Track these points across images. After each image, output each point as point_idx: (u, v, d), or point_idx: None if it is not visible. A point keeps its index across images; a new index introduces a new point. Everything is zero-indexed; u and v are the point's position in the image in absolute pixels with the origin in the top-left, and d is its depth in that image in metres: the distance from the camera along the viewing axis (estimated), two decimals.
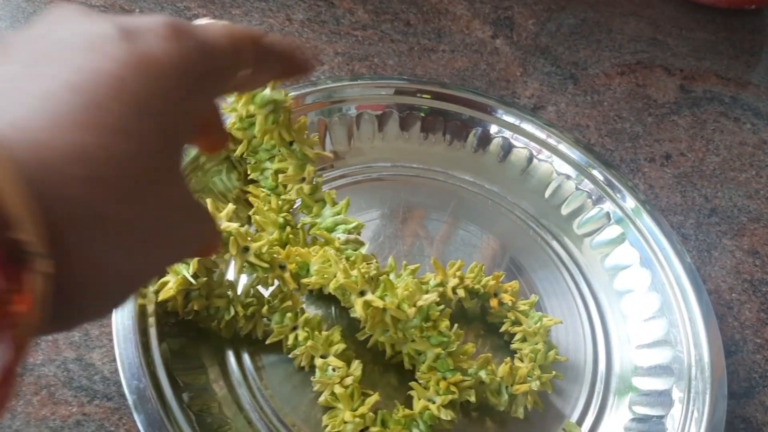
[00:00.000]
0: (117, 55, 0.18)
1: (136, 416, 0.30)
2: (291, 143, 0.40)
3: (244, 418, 0.34)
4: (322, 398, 0.35)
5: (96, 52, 0.18)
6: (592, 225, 0.46)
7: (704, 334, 0.39)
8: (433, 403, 0.34)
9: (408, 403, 0.35)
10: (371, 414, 0.34)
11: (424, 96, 0.47)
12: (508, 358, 0.37)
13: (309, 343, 0.36)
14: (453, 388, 0.34)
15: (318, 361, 0.36)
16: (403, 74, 0.55)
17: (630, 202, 0.45)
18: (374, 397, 0.34)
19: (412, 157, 0.48)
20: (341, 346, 0.36)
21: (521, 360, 0.38)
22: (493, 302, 0.40)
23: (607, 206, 0.45)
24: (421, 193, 0.47)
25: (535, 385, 0.36)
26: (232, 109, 0.39)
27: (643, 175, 0.52)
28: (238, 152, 0.41)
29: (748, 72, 0.64)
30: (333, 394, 0.35)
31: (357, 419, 0.33)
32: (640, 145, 0.55)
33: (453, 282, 0.39)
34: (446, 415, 0.34)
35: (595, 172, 0.46)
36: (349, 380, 0.35)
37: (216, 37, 0.22)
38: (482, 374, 0.36)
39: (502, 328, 0.40)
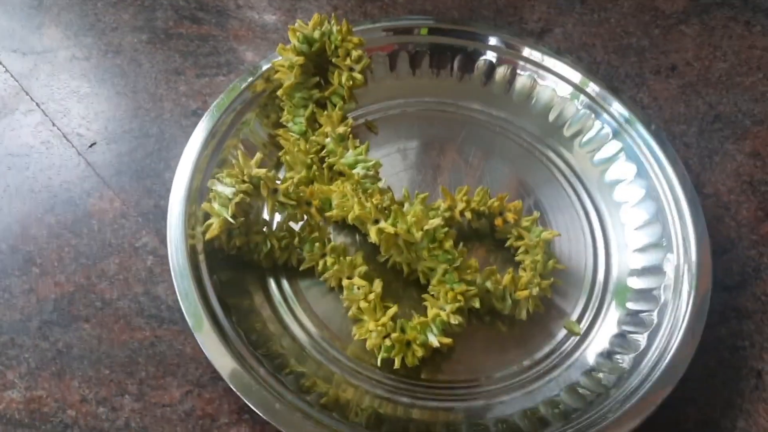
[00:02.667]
0: None
1: (196, 335, 0.37)
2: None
3: (287, 333, 0.41)
4: (350, 312, 0.41)
5: None
6: (593, 143, 0.49)
7: (693, 237, 0.43)
8: (444, 310, 0.40)
9: (424, 312, 0.41)
10: (391, 323, 0.40)
11: (424, 33, 0.51)
12: (511, 269, 0.42)
13: (336, 267, 0.42)
14: (459, 297, 0.40)
15: (345, 282, 0.42)
16: (412, 11, 0.58)
17: (627, 117, 0.48)
18: (394, 309, 0.40)
19: (424, 92, 0.52)
20: (364, 268, 0.42)
21: (524, 270, 0.43)
22: (498, 221, 0.45)
23: (606, 123, 0.49)
24: (434, 125, 0.51)
25: (535, 290, 0.42)
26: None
27: (647, 89, 0.55)
28: (281, 92, 0.46)
29: None
30: (359, 308, 0.41)
31: (380, 328, 0.39)
32: (645, 58, 0.57)
33: (461, 206, 0.44)
34: (455, 319, 0.39)
35: (593, 92, 0.49)
36: (371, 296, 0.41)
37: None
38: (488, 284, 0.41)
39: (507, 243, 0.45)
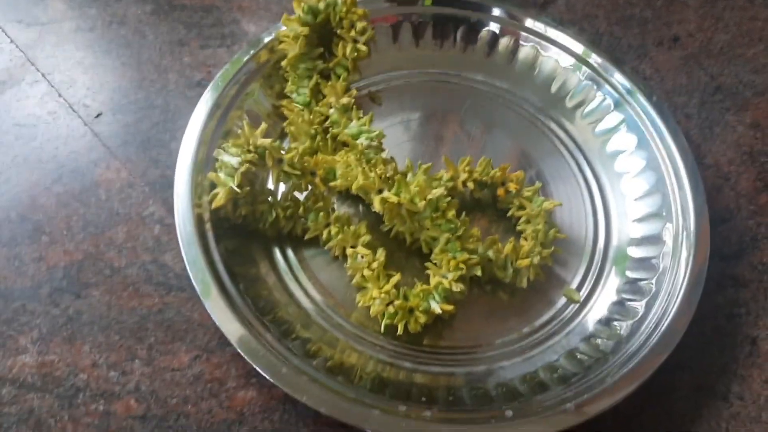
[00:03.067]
0: None
1: (204, 302, 0.38)
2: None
3: (292, 300, 0.42)
4: (354, 281, 0.42)
5: None
6: (594, 114, 0.50)
7: (692, 207, 0.44)
8: (446, 278, 0.40)
9: (427, 281, 0.42)
10: (394, 290, 0.41)
11: (428, 3, 0.51)
12: (513, 238, 0.43)
13: (340, 236, 0.43)
14: (461, 266, 0.40)
15: (349, 251, 0.42)
16: None
17: (629, 88, 0.48)
18: (397, 277, 0.41)
19: (427, 63, 0.52)
20: (367, 237, 0.43)
21: (525, 239, 0.44)
22: (500, 191, 0.45)
23: (608, 95, 0.49)
24: (437, 96, 0.51)
25: (536, 259, 0.42)
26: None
27: (650, 60, 0.55)
28: (285, 62, 0.47)
29: None
30: (363, 276, 0.41)
31: (383, 295, 0.40)
32: (648, 30, 0.57)
33: (463, 176, 0.45)
34: (456, 287, 0.40)
35: (595, 63, 0.50)
36: (375, 264, 0.41)
37: None
38: (489, 253, 0.42)
39: (509, 213, 0.45)
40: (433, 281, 0.41)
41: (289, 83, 0.48)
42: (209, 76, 0.51)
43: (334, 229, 0.43)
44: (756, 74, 0.55)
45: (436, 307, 0.40)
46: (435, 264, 0.42)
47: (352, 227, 0.43)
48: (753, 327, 0.44)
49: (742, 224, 0.48)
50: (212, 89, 0.46)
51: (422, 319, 0.40)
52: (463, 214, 0.42)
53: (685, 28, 0.57)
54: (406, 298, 0.41)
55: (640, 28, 0.57)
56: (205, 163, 0.43)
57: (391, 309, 0.40)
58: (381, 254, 0.42)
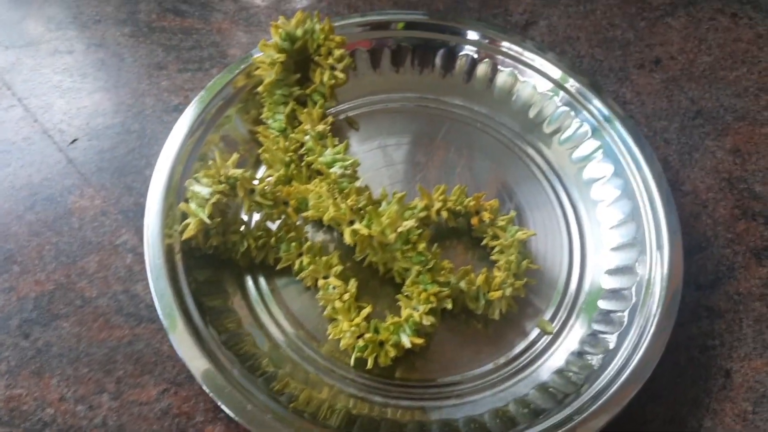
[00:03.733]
0: None
1: (170, 336, 0.38)
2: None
3: (262, 332, 0.42)
4: (325, 312, 0.42)
5: None
6: (572, 140, 0.49)
7: (666, 238, 0.43)
8: (417, 311, 0.40)
9: (399, 312, 0.42)
10: (365, 323, 0.40)
11: (400, 27, 0.51)
12: (486, 269, 0.43)
13: (312, 267, 0.42)
14: (432, 299, 0.40)
15: (320, 282, 0.42)
16: (397, 3, 0.58)
17: (606, 115, 0.48)
18: (368, 309, 0.41)
19: (406, 87, 0.52)
20: (339, 268, 0.42)
21: (499, 269, 0.43)
22: (474, 220, 0.45)
23: (585, 121, 0.49)
24: (416, 121, 0.51)
25: (508, 291, 0.42)
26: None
27: (630, 83, 0.55)
28: (261, 88, 0.46)
29: None
30: (334, 308, 0.41)
31: (353, 328, 0.40)
32: (630, 52, 0.57)
33: (437, 205, 0.45)
34: (427, 320, 0.40)
35: (573, 88, 0.49)
36: (346, 296, 0.41)
37: None
38: (462, 284, 0.42)
39: (483, 242, 0.45)
40: (404, 314, 0.41)
41: (265, 109, 0.48)
42: (187, 101, 0.51)
43: (306, 260, 0.43)
44: (738, 98, 0.55)
45: (407, 341, 0.40)
46: (406, 296, 0.42)
47: (324, 258, 0.43)
48: (727, 359, 0.43)
49: (719, 252, 0.48)
50: (188, 115, 0.46)
51: (392, 353, 0.40)
52: (435, 245, 0.42)
53: (668, 50, 0.57)
54: (377, 331, 0.41)
55: (621, 50, 0.57)
56: (177, 191, 0.43)
57: (361, 342, 0.40)
58: (353, 286, 0.42)
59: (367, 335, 0.40)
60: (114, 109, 0.50)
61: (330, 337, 0.41)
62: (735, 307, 0.45)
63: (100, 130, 0.49)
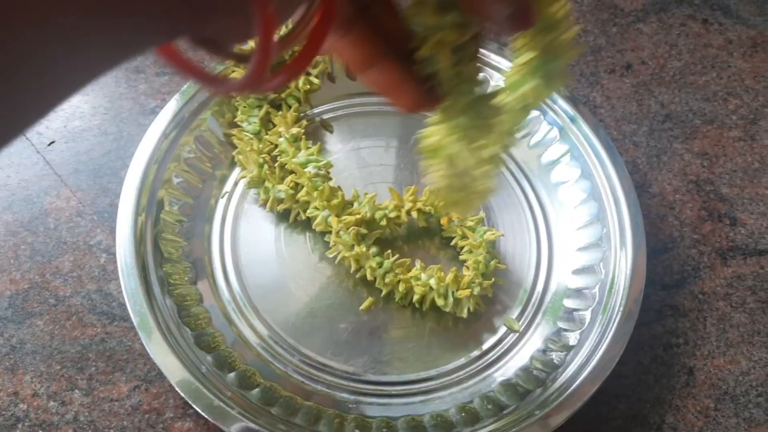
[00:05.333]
0: None
1: (140, 334, 0.38)
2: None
3: (233, 330, 0.42)
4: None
5: None
6: (541, 144, 0.50)
7: (630, 238, 0.44)
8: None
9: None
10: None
11: None
12: (455, 268, 0.44)
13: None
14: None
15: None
16: None
17: (572, 115, 0.49)
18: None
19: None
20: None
21: (468, 268, 0.44)
22: (444, 220, 0.46)
23: (553, 123, 0.50)
24: (389, 124, 0.52)
25: (476, 290, 0.43)
26: None
27: (601, 88, 0.56)
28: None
29: None
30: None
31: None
32: (601, 57, 0.58)
33: (408, 205, 0.46)
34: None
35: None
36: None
37: None
38: (431, 281, 0.43)
39: (452, 242, 0.46)
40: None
41: (240, 112, 0.48)
42: (164, 104, 0.51)
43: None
44: (706, 102, 0.56)
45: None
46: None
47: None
48: (690, 357, 0.44)
49: (685, 253, 0.49)
50: (163, 117, 0.47)
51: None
52: (393, 256, 0.43)
53: (639, 55, 0.58)
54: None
55: (593, 56, 0.58)
56: (151, 191, 0.44)
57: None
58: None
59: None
60: (91, 112, 0.51)
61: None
62: (699, 306, 0.46)
63: (78, 133, 0.50)
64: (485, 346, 0.44)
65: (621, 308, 0.42)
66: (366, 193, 0.45)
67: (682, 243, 0.49)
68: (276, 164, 0.47)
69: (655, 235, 0.49)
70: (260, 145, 0.47)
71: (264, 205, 0.46)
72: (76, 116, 0.50)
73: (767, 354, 0.45)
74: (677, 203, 0.51)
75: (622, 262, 0.44)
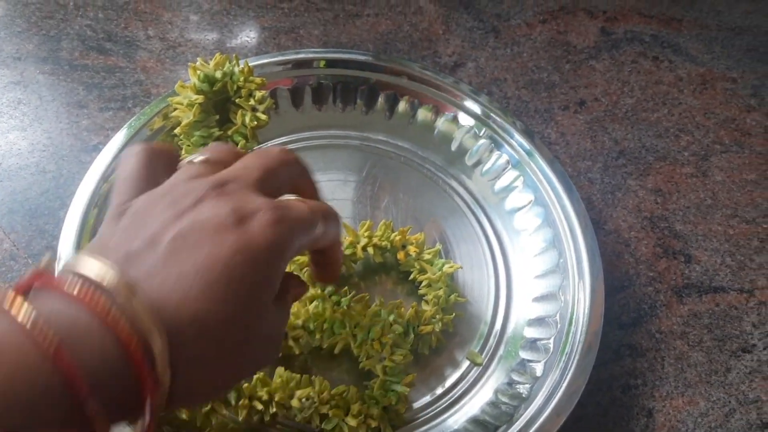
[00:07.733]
0: (230, 243, 0.26)
1: None
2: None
3: None
4: None
5: (216, 239, 0.26)
6: (492, 172, 0.50)
7: (587, 262, 0.44)
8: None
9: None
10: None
11: (322, 66, 0.52)
12: (415, 303, 0.42)
13: None
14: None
15: None
16: (327, 44, 0.58)
17: (526, 148, 0.49)
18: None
19: (329, 124, 0.52)
20: None
21: (428, 303, 0.43)
22: (400, 255, 0.45)
23: (505, 153, 0.50)
24: (340, 158, 0.51)
25: (438, 326, 0.42)
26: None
27: (555, 124, 0.56)
28: (179, 130, 0.45)
29: (671, 7, 0.66)
30: None
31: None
32: (555, 94, 0.58)
33: (363, 241, 0.44)
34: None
35: (494, 123, 0.50)
36: None
37: (302, 215, 0.29)
38: (391, 317, 0.41)
39: (411, 277, 0.45)
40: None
41: (183, 151, 0.46)
42: (107, 140, 0.49)
43: None
44: (658, 138, 0.56)
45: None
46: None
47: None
48: (649, 398, 0.44)
49: (641, 291, 0.48)
50: (106, 154, 0.45)
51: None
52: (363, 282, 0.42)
53: (592, 92, 0.58)
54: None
55: (547, 92, 0.58)
56: (91, 234, 0.42)
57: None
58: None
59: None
60: (29, 149, 0.48)
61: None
62: (657, 345, 0.46)
63: (13, 171, 0.47)
64: (448, 383, 0.42)
65: (583, 336, 0.41)
66: None
67: (638, 281, 0.49)
68: None
69: (612, 273, 0.48)
70: None
71: None
72: (12, 153, 0.48)
73: (725, 394, 0.44)
74: (632, 240, 0.50)
75: (581, 292, 0.43)
